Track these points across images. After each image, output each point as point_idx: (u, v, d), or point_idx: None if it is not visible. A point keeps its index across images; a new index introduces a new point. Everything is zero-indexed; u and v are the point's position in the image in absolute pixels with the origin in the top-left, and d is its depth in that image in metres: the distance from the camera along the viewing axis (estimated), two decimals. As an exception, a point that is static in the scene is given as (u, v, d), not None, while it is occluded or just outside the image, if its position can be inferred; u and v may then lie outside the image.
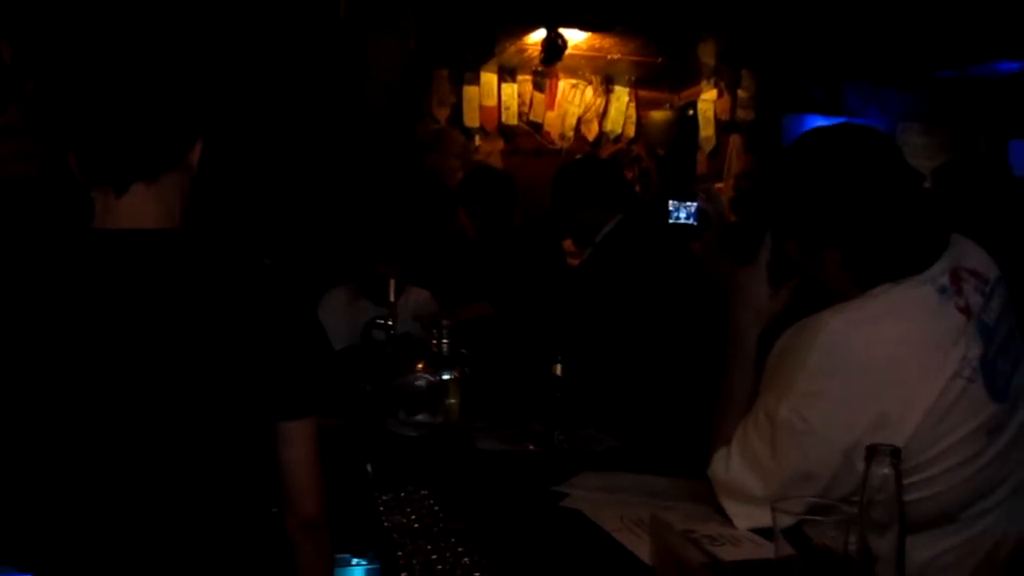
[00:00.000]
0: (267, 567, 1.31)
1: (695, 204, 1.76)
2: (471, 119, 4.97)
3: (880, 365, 1.26)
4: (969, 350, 1.28)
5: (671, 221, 1.76)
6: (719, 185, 5.04)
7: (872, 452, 0.77)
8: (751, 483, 1.35)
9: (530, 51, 4.81)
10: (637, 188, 5.18)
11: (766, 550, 1.17)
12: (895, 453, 0.76)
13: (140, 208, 1.24)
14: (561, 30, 4.54)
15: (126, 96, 1.23)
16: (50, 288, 1.19)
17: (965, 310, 1.31)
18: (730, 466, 1.38)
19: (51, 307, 1.17)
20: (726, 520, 1.40)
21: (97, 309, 1.18)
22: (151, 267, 1.21)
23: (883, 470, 0.76)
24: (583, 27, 4.58)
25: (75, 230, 1.25)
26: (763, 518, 1.24)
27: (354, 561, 1.86)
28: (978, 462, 1.27)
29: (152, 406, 1.18)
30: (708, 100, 5.23)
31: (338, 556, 1.54)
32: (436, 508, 1.53)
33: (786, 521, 0.96)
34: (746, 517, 1.36)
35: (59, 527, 1.19)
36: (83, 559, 1.19)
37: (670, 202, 1.76)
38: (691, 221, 1.76)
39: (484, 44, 4.59)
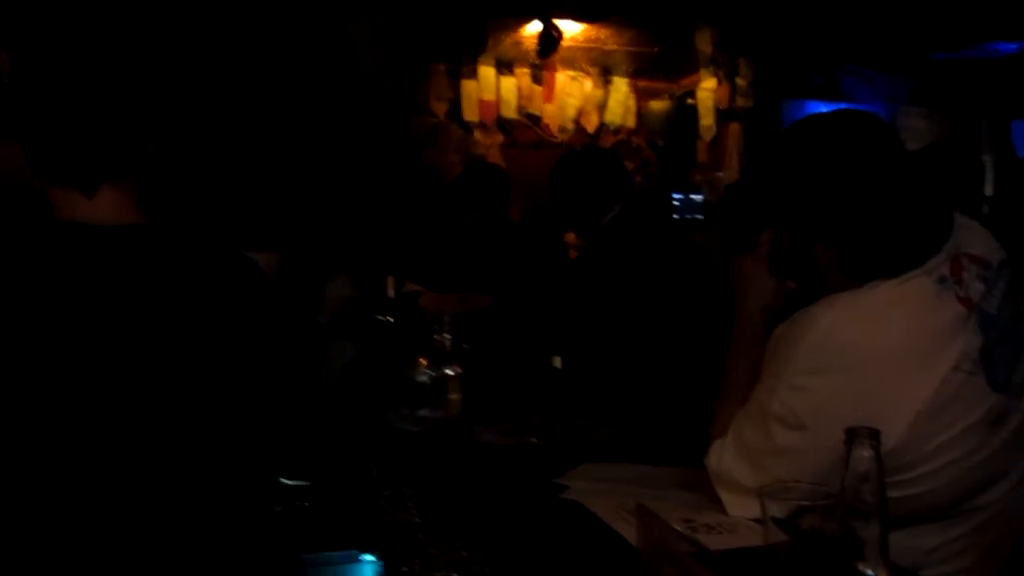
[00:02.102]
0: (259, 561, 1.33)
1: (700, 196, 1.73)
2: (470, 113, 4.97)
3: (871, 362, 1.25)
4: (969, 343, 1.26)
5: (676, 216, 1.72)
6: (719, 174, 5.04)
7: (852, 435, 0.78)
8: (743, 474, 1.35)
9: (527, 44, 4.81)
10: (638, 179, 5.17)
11: (760, 538, 1.18)
12: (874, 435, 0.77)
13: (109, 206, 1.25)
14: (556, 21, 4.54)
15: (91, 100, 1.24)
16: (24, 283, 1.20)
17: (965, 300, 1.29)
18: (724, 456, 1.39)
19: (25, 303, 1.19)
20: (723, 509, 1.41)
21: (70, 303, 1.19)
22: (121, 262, 1.23)
23: (864, 452, 0.77)
24: (577, 17, 4.59)
25: (41, 225, 1.26)
26: (755, 508, 1.25)
27: (361, 557, 1.88)
28: (980, 454, 1.26)
29: (131, 401, 1.20)
30: (707, 89, 5.22)
31: (345, 552, 1.56)
32: (437, 502, 1.54)
33: (775, 509, 0.97)
34: (739, 506, 1.36)
35: (38, 523, 1.21)
36: (63, 555, 1.20)
37: (674, 196, 1.73)
38: (696, 214, 1.72)
39: (476, 37, 4.59)
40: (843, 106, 1.58)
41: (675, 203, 1.48)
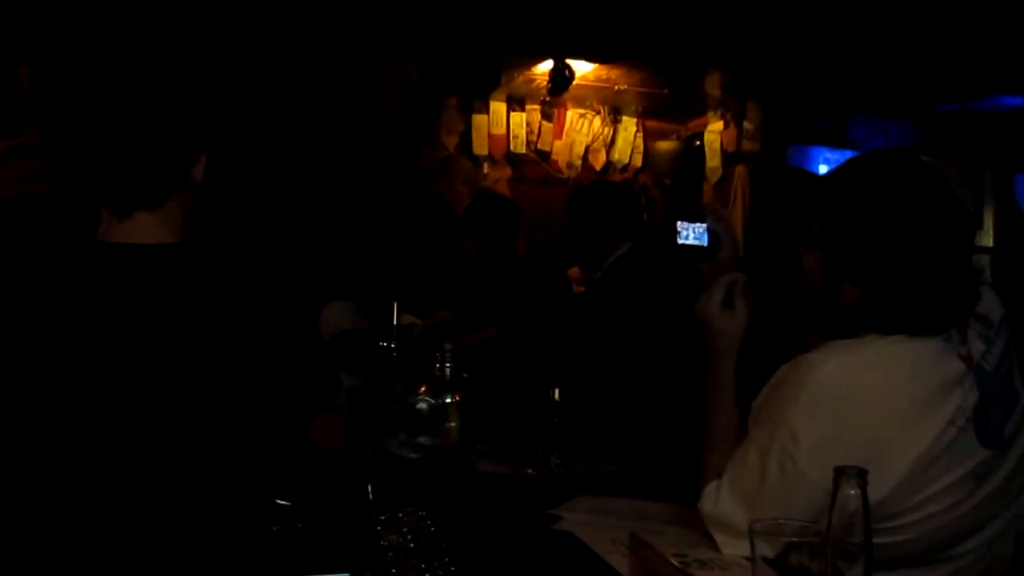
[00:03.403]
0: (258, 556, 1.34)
1: (705, 225, 1.71)
2: (480, 147, 5.03)
3: (871, 411, 1.25)
4: (965, 399, 1.27)
5: (680, 242, 1.71)
6: (724, 208, 5.08)
7: (839, 473, 0.80)
8: (739, 518, 1.34)
9: (538, 81, 4.88)
10: (644, 217, 5.21)
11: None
12: (862, 474, 0.79)
13: (141, 228, 1.28)
14: (568, 61, 4.60)
15: (128, 131, 1.27)
16: (51, 298, 1.23)
17: (967, 358, 1.30)
18: (719, 501, 1.38)
19: (52, 317, 1.22)
20: (717, 546, 1.41)
21: (97, 319, 1.21)
22: (150, 279, 1.25)
23: (852, 491, 0.79)
24: (590, 58, 4.65)
25: (78, 242, 1.29)
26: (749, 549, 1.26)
27: (352, 582, 1.88)
28: (964, 507, 1.28)
29: (140, 412, 1.22)
30: (714, 131, 5.29)
31: (338, 575, 1.57)
32: (433, 528, 1.55)
33: (766, 549, 0.98)
34: (735, 547, 1.36)
35: (63, 533, 1.22)
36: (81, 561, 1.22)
37: (679, 223, 1.71)
38: (701, 242, 1.70)
39: (490, 74, 4.65)
40: (849, 153, 1.58)
41: (680, 231, 1.49)
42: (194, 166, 1.34)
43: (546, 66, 4.68)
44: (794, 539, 0.97)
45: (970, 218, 1.34)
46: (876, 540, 0.95)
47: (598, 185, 3.90)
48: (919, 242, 1.28)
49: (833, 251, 1.34)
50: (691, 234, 1.70)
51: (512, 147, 5.11)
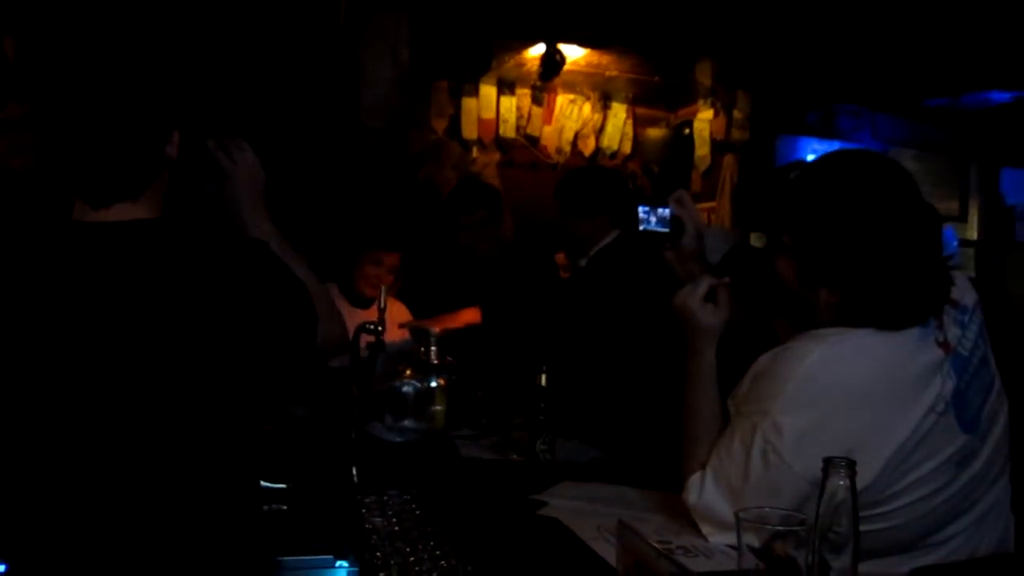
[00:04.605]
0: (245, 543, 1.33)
1: (667, 210, 1.69)
2: (469, 131, 5.01)
3: (855, 400, 1.27)
4: (944, 386, 1.30)
5: (642, 228, 1.68)
6: (712, 204, 5.08)
7: (828, 463, 0.80)
8: (723, 509, 1.35)
9: (529, 65, 4.86)
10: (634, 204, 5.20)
11: (735, 563, 1.20)
12: (851, 465, 0.80)
13: (118, 212, 1.28)
14: (560, 46, 4.58)
15: (99, 124, 1.26)
16: (30, 278, 1.22)
17: (944, 345, 1.32)
18: (704, 493, 1.39)
19: (33, 298, 1.20)
20: (700, 533, 1.42)
21: (80, 297, 1.20)
22: (132, 257, 1.24)
23: (841, 482, 0.79)
24: (581, 43, 4.63)
25: (56, 223, 1.28)
26: (735, 539, 1.27)
27: (337, 563, 1.89)
28: (946, 492, 1.30)
29: (123, 392, 1.20)
30: (704, 119, 5.28)
31: (320, 557, 1.57)
32: (417, 512, 1.55)
33: (751, 539, 0.99)
34: (720, 536, 1.38)
35: (42, 513, 1.21)
36: (65, 546, 1.21)
37: (640, 209, 1.69)
38: (663, 228, 1.68)
39: (481, 58, 4.63)
40: (838, 144, 1.58)
41: (641, 216, 1.46)
42: (167, 146, 1.33)
43: (537, 51, 4.65)
44: (779, 528, 0.97)
45: (934, 211, 1.36)
46: (861, 528, 0.96)
47: (588, 170, 3.88)
48: (890, 242, 1.30)
49: (806, 258, 1.36)
50: (653, 219, 1.68)
51: (501, 131, 5.09)
